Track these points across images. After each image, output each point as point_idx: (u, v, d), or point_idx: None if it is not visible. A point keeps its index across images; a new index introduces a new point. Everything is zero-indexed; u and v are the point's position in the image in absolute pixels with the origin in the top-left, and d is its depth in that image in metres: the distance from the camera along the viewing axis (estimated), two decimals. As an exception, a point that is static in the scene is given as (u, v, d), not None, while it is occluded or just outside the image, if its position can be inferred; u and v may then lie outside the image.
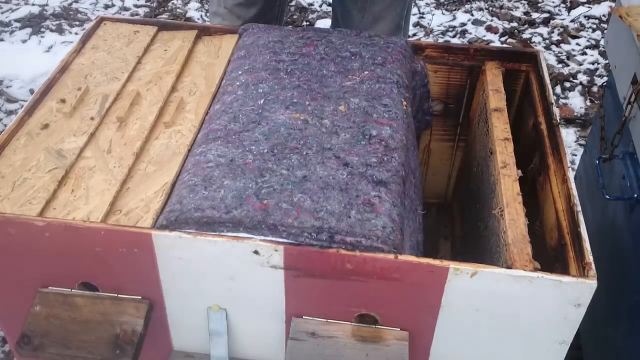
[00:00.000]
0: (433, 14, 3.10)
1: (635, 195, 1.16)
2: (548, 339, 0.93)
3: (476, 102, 1.38)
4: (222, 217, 0.92)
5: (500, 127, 1.16)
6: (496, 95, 1.23)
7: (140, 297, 0.99)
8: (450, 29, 2.99)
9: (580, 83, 2.65)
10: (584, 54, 2.83)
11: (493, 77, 1.28)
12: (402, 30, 1.53)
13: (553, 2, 3.20)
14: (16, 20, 2.98)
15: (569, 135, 2.40)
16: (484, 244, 1.12)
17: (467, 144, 1.45)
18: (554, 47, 2.87)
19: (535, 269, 0.90)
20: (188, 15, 3.06)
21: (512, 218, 0.98)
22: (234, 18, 1.47)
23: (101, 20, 1.40)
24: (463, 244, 1.44)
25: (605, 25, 3.00)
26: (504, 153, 1.09)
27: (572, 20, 3.05)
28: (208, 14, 3.05)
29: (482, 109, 1.29)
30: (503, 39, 2.93)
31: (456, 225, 1.52)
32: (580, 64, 2.76)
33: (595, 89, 2.62)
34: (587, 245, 0.92)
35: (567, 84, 2.65)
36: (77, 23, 2.99)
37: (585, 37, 2.93)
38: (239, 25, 1.44)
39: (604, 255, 1.29)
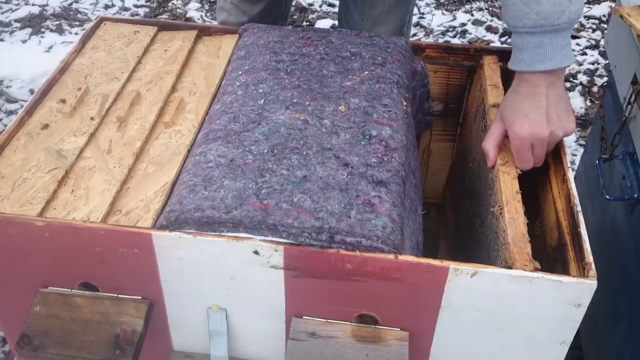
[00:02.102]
0: (433, 14, 3.10)
1: (636, 196, 1.16)
2: (548, 339, 0.93)
3: (472, 97, 1.37)
4: (222, 217, 0.92)
5: None
6: (494, 90, 1.23)
7: (140, 297, 1.00)
8: (450, 29, 3.00)
9: (580, 83, 2.65)
10: (584, 54, 2.83)
11: (491, 73, 1.27)
12: (405, 35, 1.53)
13: (553, 2, 3.19)
14: (16, 20, 2.98)
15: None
16: (480, 240, 1.12)
17: (462, 138, 1.44)
18: (554, 47, 2.87)
19: (535, 269, 0.90)
20: (188, 15, 3.06)
21: (512, 217, 0.98)
22: (239, 13, 1.47)
23: (101, 20, 1.40)
24: (456, 238, 1.44)
25: (605, 25, 3.00)
26: (503, 149, 1.09)
27: (572, 21, 3.04)
28: (214, 9, 3.05)
29: (480, 104, 1.29)
30: (503, 39, 2.93)
31: (448, 219, 1.52)
32: (580, 64, 2.76)
33: (595, 89, 2.62)
34: (587, 245, 0.92)
35: (567, 84, 2.65)
36: (77, 23, 2.99)
37: (585, 37, 2.93)
38: (244, 20, 1.44)
39: (604, 255, 1.29)
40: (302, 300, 0.96)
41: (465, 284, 0.89)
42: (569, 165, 1.06)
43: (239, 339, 1.03)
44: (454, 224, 1.47)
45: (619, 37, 1.29)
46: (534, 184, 1.17)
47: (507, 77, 1.31)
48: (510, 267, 0.90)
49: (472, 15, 3.10)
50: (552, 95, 1.01)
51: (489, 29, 3.00)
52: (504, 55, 1.34)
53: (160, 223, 0.95)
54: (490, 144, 1.08)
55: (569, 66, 1.07)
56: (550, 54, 0.99)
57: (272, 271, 0.92)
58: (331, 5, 3.15)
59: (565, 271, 0.94)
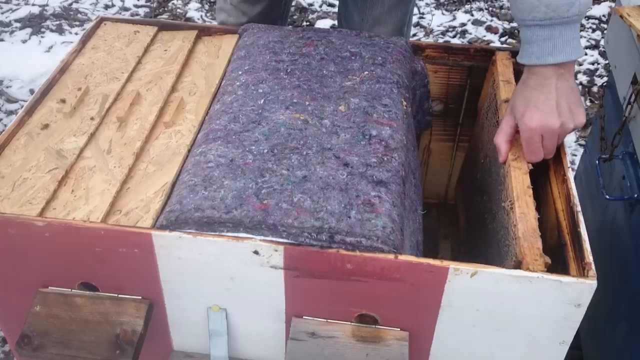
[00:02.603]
0: (433, 14, 3.10)
1: (636, 196, 1.16)
2: (548, 339, 0.93)
3: (485, 92, 1.37)
4: (222, 217, 0.92)
5: None
6: (507, 86, 1.22)
7: (140, 297, 1.00)
8: (450, 29, 3.00)
9: (580, 83, 2.65)
10: (584, 54, 2.83)
11: (504, 68, 1.27)
12: (405, 35, 1.53)
13: (553, 2, 3.19)
14: (16, 20, 2.98)
15: (569, 135, 2.40)
16: (491, 236, 1.12)
17: (474, 134, 1.44)
18: (554, 47, 2.87)
19: (546, 264, 0.89)
20: (188, 15, 3.06)
21: (523, 211, 0.98)
22: (239, 14, 1.47)
23: (101, 20, 1.40)
24: (466, 235, 1.44)
25: (605, 25, 3.00)
26: (514, 145, 1.09)
27: (572, 21, 3.04)
28: (214, 9, 3.05)
29: (492, 99, 1.28)
30: (503, 39, 2.93)
31: (459, 216, 1.51)
32: (580, 64, 2.76)
33: (595, 89, 2.62)
34: (587, 245, 0.92)
35: (567, 84, 2.65)
36: (77, 23, 2.99)
37: (585, 37, 2.93)
38: (244, 21, 1.44)
39: (604, 255, 1.29)
40: (302, 300, 0.96)
41: (465, 284, 0.89)
42: (569, 165, 1.06)
43: (239, 339, 1.03)
44: (466, 222, 1.46)
45: (619, 37, 1.29)
46: (534, 184, 1.17)
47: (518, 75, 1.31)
48: (520, 262, 0.90)
49: (472, 15, 3.10)
50: (562, 87, 1.00)
51: (489, 29, 3.00)
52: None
53: (160, 223, 0.95)
54: (501, 139, 1.07)
55: (579, 59, 1.06)
56: (560, 47, 0.98)
57: (272, 271, 0.92)
58: (331, 5, 3.15)
59: (565, 271, 0.94)
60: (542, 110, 1.00)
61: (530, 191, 1.00)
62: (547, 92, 1.00)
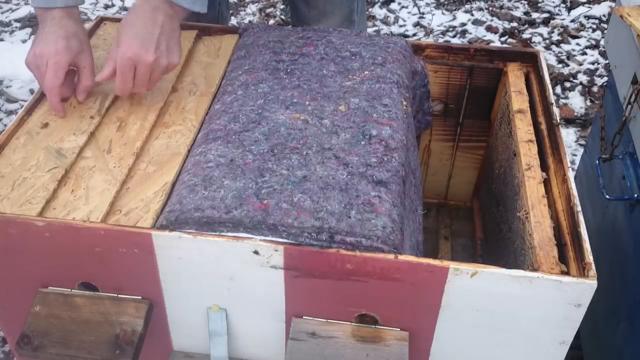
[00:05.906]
0: (433, 14, 3.10)
1: (636, 196, 1.16)
2: (548, 339, 0.93)
3: (497, 103, 1.37)
4: (222, 217, 0.92)
5: (523, 129, 1.16)
6: (519, 96, 1.23)
7: (140, 297, 0.99)
8: (450, 29, 3.00)
9: (580, 83, 2.65)
10: (584, 54, 2.83)
11: (515, 79, 1.28)
12: (355, 24, 1.51)
13: (553, 2, 3.20)
14: (16, 20, 2.98)
15: (569, 135, 2.40)
16: (508, 245, 1.12)
17: (489, 145, 1.44)
18: (554, 47, 2.88)
19: (562, 272, 0.89)
20: (188, 15, 3.06)
21: (538, 220, 0.98)
22: None
23: (101, 20, 1.40)
24: (485, 246, 1.44)
25: (605, 25, 3.00)
26: (528, 155, 1.09)
27: (572, 20, 3.05)
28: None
29: (504, 110, 1.29)
30: (503, 39, 2.93)
31: (477, 227, 1.52)
32: (580, 64, 2.76)
33: (595, 89, 2.62)
34: (587, 245, 0.92)
35: (567, 84, 2.65)
36: (77, 23, 2.98)
37: (585, 37, 2.93)
38: None
39: (604, 255, 1.29)
40: (302, 300, 0.96)
41: (465, 284, 0.89)
42: (569, 165, 1.06)
43: (239, 339, 1.03)
44: (483, 233, 1.47)
45: (619, 37, 1.29)
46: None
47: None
48: (536, 271, 0.90)
49: (472, 15, 3.10)
50: (166, 27, 1.07)
51: (489, 28, 3.00)
52: (504, 55, 1.34)
53: (160, 223, 0.95)
54: (108, 64, 1.11)
55: (190, 10, 1.11)
56: None
57: (272, 271, 0.92)
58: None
59: (565, 271, 0.94)
60: (141, 42, 1.05)
61: (545, 200, 1.01)
62: (152, 26, 1.06)
